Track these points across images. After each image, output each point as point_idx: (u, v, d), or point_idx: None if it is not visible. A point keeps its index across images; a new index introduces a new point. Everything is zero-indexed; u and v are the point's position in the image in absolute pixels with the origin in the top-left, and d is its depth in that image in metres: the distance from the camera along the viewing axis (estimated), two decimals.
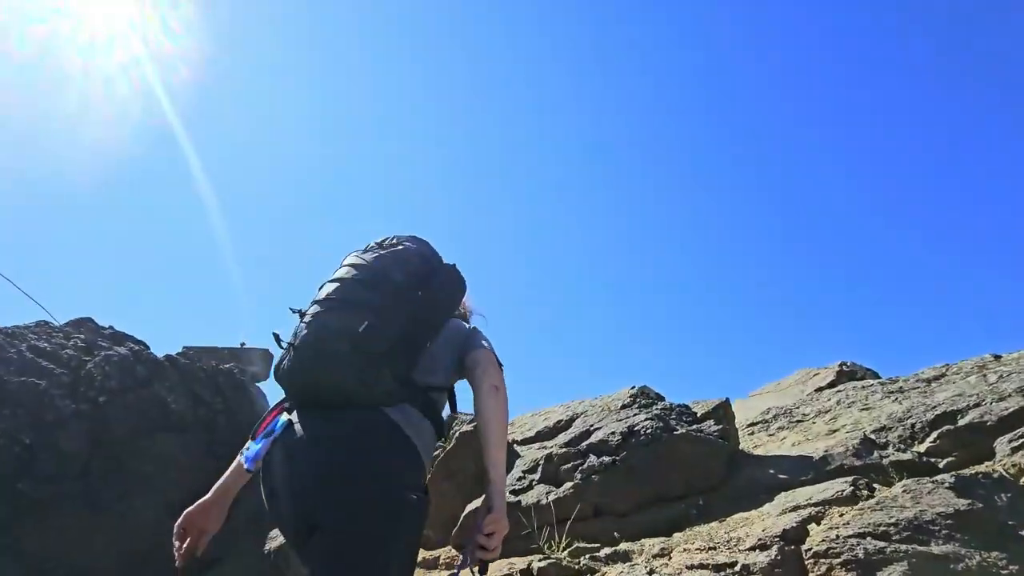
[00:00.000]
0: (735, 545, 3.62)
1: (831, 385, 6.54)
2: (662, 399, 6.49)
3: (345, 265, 1.72)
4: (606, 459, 5.11)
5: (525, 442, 6.74)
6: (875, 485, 4.01)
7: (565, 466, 5.33)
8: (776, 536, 3.35)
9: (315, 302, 1.64)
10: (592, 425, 5.80)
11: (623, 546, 4.41)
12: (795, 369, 7.20)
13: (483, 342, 1.76)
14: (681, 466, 4.94)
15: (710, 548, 3.63)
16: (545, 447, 5.99)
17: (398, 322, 1.56)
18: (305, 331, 1.58)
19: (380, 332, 1.51)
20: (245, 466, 1.62)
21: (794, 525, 3.40)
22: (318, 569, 1.40)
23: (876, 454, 4.69)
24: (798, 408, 6.26)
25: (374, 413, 1.49)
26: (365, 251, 1.76)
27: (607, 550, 4.31)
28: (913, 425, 4.95)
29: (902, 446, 4.81)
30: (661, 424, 5.16)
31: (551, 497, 5.19)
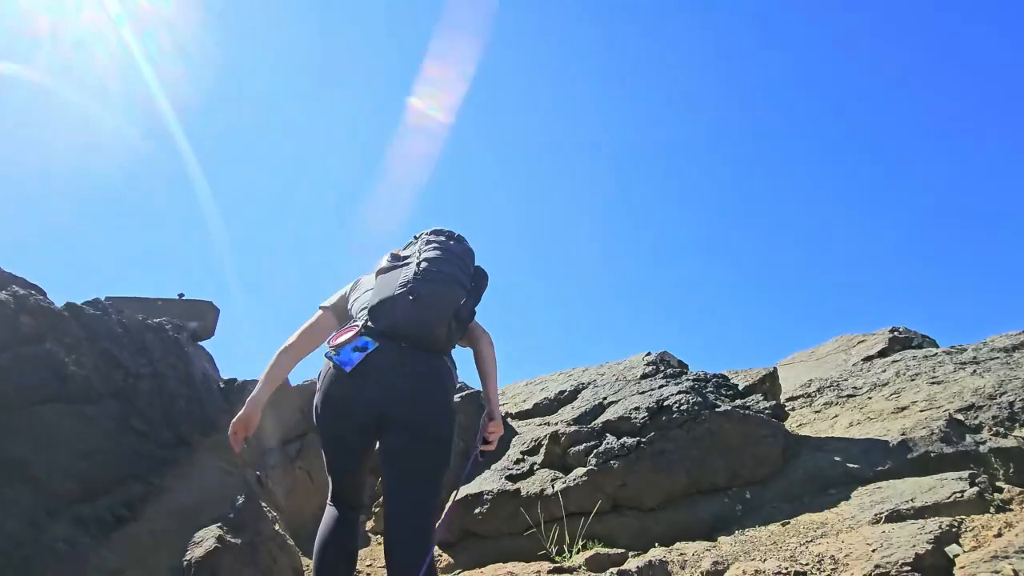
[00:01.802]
0: (830, 568, 2.61)
1: (881, 354, 5.64)
2: (686, 367, 5.50)
3: (437, 247, 2.26)
4: (628, 440, 4.10)
5: (521, 416, 5.72)
6: (1000, 483, 3.02)
7: (575, 448, 4.32)
8: (905, 564, 2.35)
9: (427, 271, 2.14)
10: (606, 398, 4.78)
11: (657, 553, 3.43)
12: (832, 335, 6.32)
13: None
14: (725, 451, 3.95)
15: (796, 573, 2.62)
16: (548, 423, 4.96)
17: (471, 302, 2.22)
18: (426, 290, 2.08)
19: (467, 308, 2.17)
20: (345, 369, 1.95)
21: (927, 547, 2.40)
22: (404, 449, 1.96)
23: (969, 439, 3.73)
24: (846, 380, 5.33)
25: (446, 360, 2.10)
26: (441, 236, 2.35)
27: (638, 560, 3.30)
28: (1011, 404, 4.01)
29: (999, 429, 3.86)
30: (699, 399, 4.14)
31: (558, 486, 4.18)
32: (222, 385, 5.71)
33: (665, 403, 4.17)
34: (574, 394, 5.55)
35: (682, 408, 4.07)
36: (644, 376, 4.87)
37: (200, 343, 6.36)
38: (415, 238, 2.40)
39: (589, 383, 5.57)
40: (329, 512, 2.10)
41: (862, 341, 6.03)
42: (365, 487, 2.26)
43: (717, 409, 4.01)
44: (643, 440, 4.07)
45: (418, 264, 2.16)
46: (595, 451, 4.19)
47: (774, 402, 4.18)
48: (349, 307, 2.26)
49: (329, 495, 2.14)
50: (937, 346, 5.84)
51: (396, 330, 2.02)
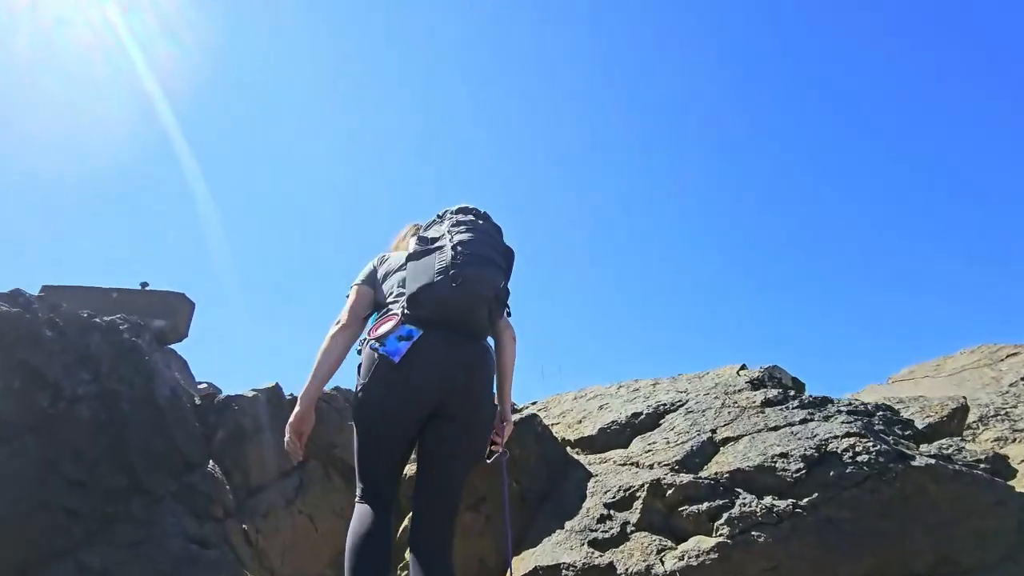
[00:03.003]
0: None
1: None
2: (802, 386, 4.27)
3: (469, 227, 2.16)
4: (777, 502, 2.88)
5: (581, 446, 4.47)
6: None
7: (690, 508, 3.09)
8: None
9: (462, 254, 2.04)
10: (715, 431, 3.54)
11: None
12: (960, 347, 5.18)
13: None
14: (929, 524, 2.72)
15: None
16: (635, 464, 3.72)
17: (506, 284, 2.20)
18: (472, 274, 2.01)
19: (504, 292, 2.15)
20: (394, 359, 1.91)
21: None
22: (455, 440, 2.00)
23: None
24: (1014, 408, 4.13)
25: (488, 347, 2.12)
26: (468, 214, 2.24)
27: None
28: None
29: None
30: (882, 445, 2.90)
31: (671, 563, 2.96)
32: (198, 402, 4.42)
33: (829, 448, 2.93)
34: (655, 418, 4.30)
35: (859, 458, 2.82)
36: (766, 403, 3.61)
37: (170, 347, 5.06)
38: (438, 217, 2.29)
39: (675, 404, 4.32)
40: (363, 511, 1.96)
41: (1014, 354, 4.86)
42: (398, 484, 2.16)
43: (913, 462, 2.77)
44: (800, 503, 2.84)
45: (454, 247, 2.06)
46: (725, 515, 2.95)
47: (990, 451, 2.95)
48: (381, 284, 2.24)
49: (360, 494, 2.02)
50: None
51: (439, 317, 1.98)
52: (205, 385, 5.96)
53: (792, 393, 3.67)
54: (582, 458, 4.23)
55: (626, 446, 4.21)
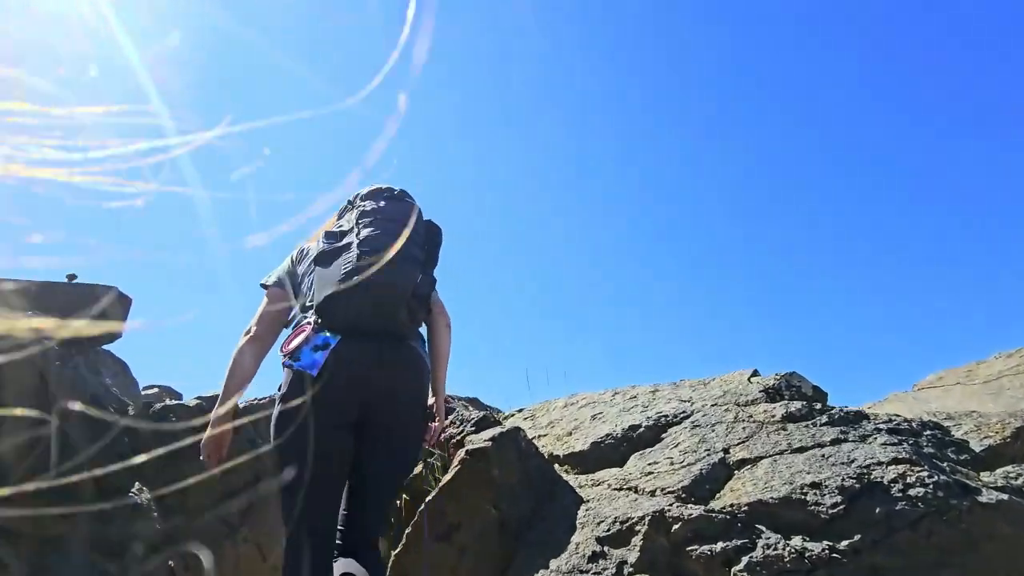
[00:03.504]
0: None
1: None
2: (824, 396, 3.72)
3: (377, 217, 2.02)
4: (809, 544, 2.33)
5: (571, 463, 3.92)
6: None
7: (700, 548, 2.55)
8: None
9: (369, 253, 1.87)
10: (728, 450, 3.00)
11: None
12: (993, 350, 4.66)
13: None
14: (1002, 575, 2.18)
15: None
16: (633, 489, 3.16)
17: (425, 276, 2.00)
18: (375, 283, 1.86)
19: (424, 286, 1.97)
20: (311, 372, 1.79)
21: None
22: (386, 457, 1.90)
23: None
24: None
25: (415, 347, 1.96)
26: (384, 200, 2.10)
27: None
28: None
29: None
30: (940, 476, 2.35)
31: None
32: (131, 412, 3.84)
33: (872, 478, 2.38)
34: (656, 432, 3.75)
35: (911, 491, 2.28)
36: (788, 417, 3.06)
37: (103, 348, 4.47)
38: (349, 203, 2.17)
39: (678, 416, 3.77)
40: (296, 560, 1.70)
41: None
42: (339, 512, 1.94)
43: (980, 497, 2.22)
44: (838, 547, 2.29)
45: (360, 245, 1.95)
46: (745, 558, 2.40)
47: None
48: (300, 284, 2.08)
49: (289, 536, 1.78)
50: None
51: (354, 325, 1.88)
52: (156, 390, 5.37)
53: (818, 407, 3.12)
54: (572, 479, 3.67)
55: (622, 464, 3.66)
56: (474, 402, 5.38)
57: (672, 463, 3.19)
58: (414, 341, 2.00)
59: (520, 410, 5.51)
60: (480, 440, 3.50)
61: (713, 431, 3.28)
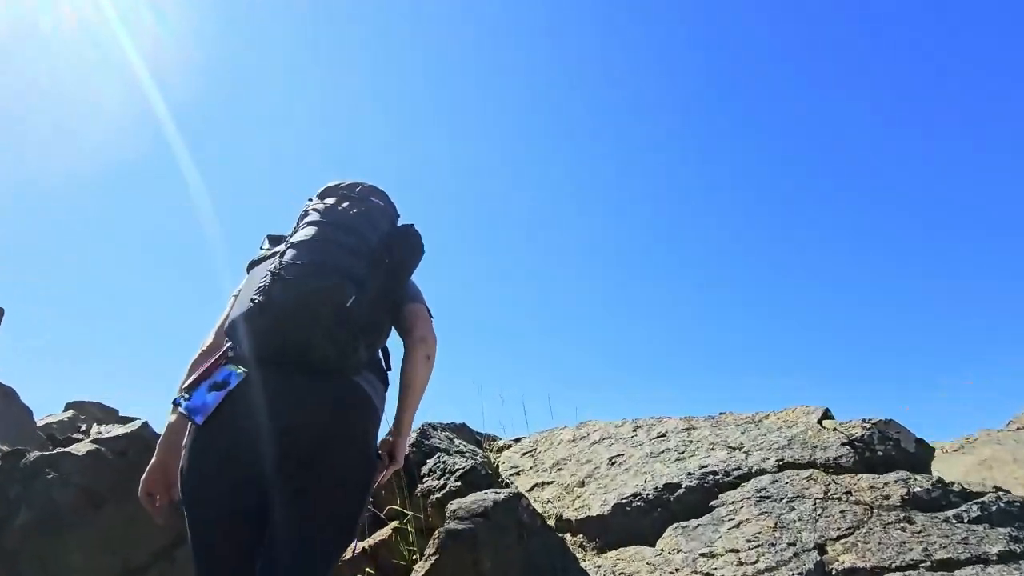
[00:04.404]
0: None
1: None
2: (929, 451, 2.79)
3: (320, 222, 1.64)
4: None
5: (588, 531, 2.97)
6: None
7: None
8: None
9: (289, 264, 1.53)
10: (824, 545, 2.07)
11: None
12: None
13: (416, 291, 1.75)
14: None
15: None
16: None
17: (375, 293, 1.56)
18: (285, 292, 1.48)
19: (363, 306, 1.51)
20: (195, 420, 1.46)
21: None
22: (303, 519, 1.42)
23: None
24: None
25: (349, 383, 1.51)
26: (329, 200, 1.70)
27: None
28: None
29: None
30: None
31: None
32: None
33: None
34: (703, 497, 2.81)
35: None
36: (914, 502, 2.13)
37: None
38: (309, 200, 1.78)
39: (732, 473, 2.83)
40: None
41: None
42: None
43: None
44: None
45: (283, 255, 1.56)
46: None
47: None
48: None
49: None
50: None
51: (267, 353, 1.49)
52: (69, 414, 4.36)
53: (955, 488, 2.19)
54: (590, 562, 2.73)
55: (656, 539, 2.73)
56: (461, 431, 4.43)
57: (739, 558, 2.25)
58: (356, 375, 1.55)
59: (517, 439, 4.56)
60: (467, 511, 2.55)
61: (793, 509, 2.34)
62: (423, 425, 4.08)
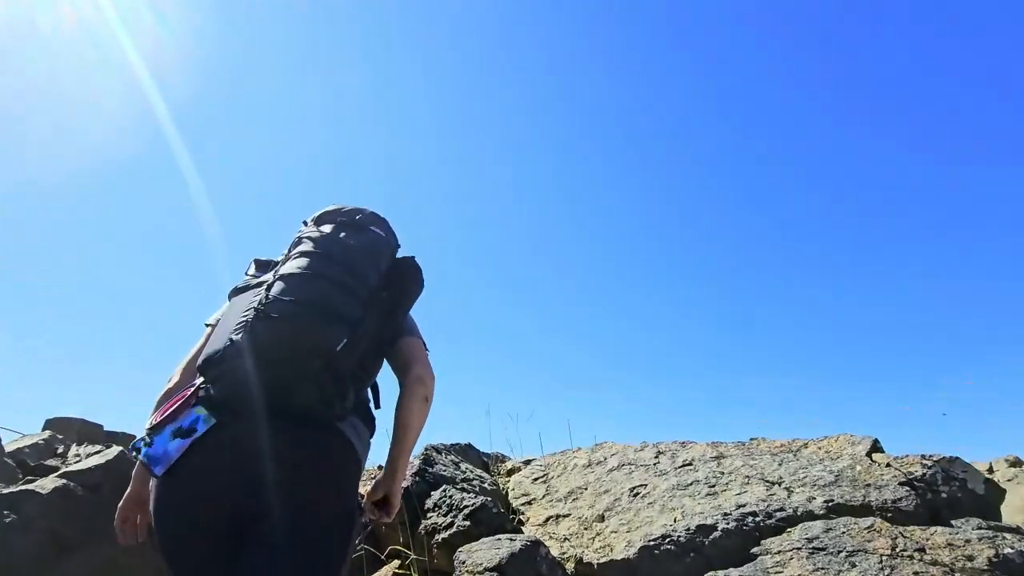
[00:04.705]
0: None
1: None
2: (999, 493, 2.49)
3: (313, 253, 1.48)
4: None
5: None
6: None
7: None
8: None
9: (276, 300, 1.38)
10: None
11: None
12: None
13: (412, 324, 1.65)
14: None
15: None
16: None
17: (369, 335, 1.42)
18: (269, 332, 1.35)
19: (355, 350, 1.38)
20: (154, 469, 1.33)
21: None
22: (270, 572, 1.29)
23: None
24: None
25: (331, 430, 1.37)
26: (325, 228, 1.56)
27: None
28: None
29: None
30: None
31: None
32: None
33: None
34: (743, 540, 2.52)
35: None
36: (1005, 567, 1.83)
37: None
38: (304, 224, 1.65)
39: (774, 515, 2.54)
40: None
41: None
42: None
43: None
44: None
45: (268, 287, 1.43)
46: None
47: None
48: None
49: None
50: None
51: (237, 399, 1.35)
52: (45, 436, 4.01)
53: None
54: None
55: None
56: (467, 453, 4.12)
57: None
58: (341, 423, 1.42)
59: (527, 461, 4.26)
60: (479, 565, 2.25)
61: (854, 566, 2.04)
62: (426, 449, 3.78)
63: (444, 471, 3.44)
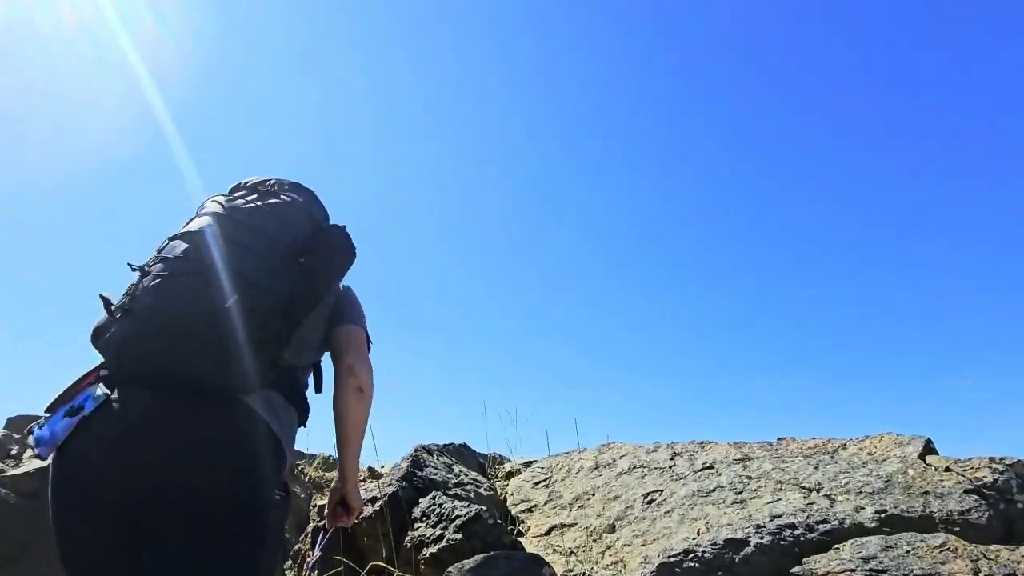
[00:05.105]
0: None
1: None
2: None
3: (206, 213, 1.42)
4: None
5: None
6: None
7: None
8: None
9: (164, 259, 1.32)
10: None
11: None
12: None
13: (356, 312, 1.54)
14: None
15: None
16: None
17: (273, 298, 1.30)
18: (150, 297, 1.26)
19: (251, 311, 1.25)
20: (39, 453, 1.24)
21: None
22: (172, 566, 1.16)
23: None
24: None
25: (235, 405, 1.24)
26: (234, 195, 1.49)
27: None
28: None
29: None
30: None
31: None
32: None
33: None
34: (780, 558, 2.16)
35: None
36: None
37: None
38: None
39: (816, 528, 2.18)
40: None
41: None
42: None
43: None
44: None
45: (159, 248, 1.37)
46: None
47: None
48: None
49: None
50: None
51: (128, 371, 1.24)
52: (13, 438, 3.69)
53: None
54: None
55: None
56: (461, 454, 3.76)
57: None
58: (248, 395, 1.25)
59: (528, 463, 3.89)
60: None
61: None
62: (416, 450, 3.42)
63: (435, 475, 3.07)
